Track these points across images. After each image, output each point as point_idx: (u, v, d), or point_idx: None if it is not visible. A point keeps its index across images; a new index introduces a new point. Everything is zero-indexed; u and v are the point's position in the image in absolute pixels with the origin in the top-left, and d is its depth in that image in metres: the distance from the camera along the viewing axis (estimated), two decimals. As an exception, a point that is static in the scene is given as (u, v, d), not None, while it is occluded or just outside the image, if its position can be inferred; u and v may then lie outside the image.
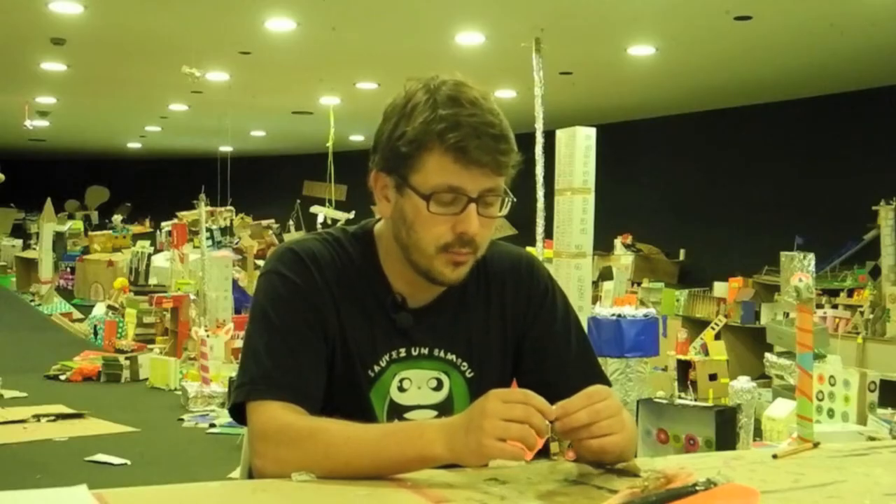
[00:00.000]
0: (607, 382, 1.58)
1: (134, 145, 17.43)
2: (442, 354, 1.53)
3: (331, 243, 1.52)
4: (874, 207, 8.05)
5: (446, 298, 1.54)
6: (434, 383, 1.53)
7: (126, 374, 7.84)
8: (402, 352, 1.51)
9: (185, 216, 12.13)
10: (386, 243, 1.52)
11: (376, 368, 1.50)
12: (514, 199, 1.46)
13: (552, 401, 1.29)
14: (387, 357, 1.50)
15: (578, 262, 5.27)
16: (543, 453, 1.25)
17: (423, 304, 1.53)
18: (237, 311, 8.49)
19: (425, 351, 1.52)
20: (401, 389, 1.51)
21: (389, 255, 1.51)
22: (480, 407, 1.23)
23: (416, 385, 1.52)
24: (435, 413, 1.52)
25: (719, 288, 9.31)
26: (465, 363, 1.54)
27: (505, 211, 1.46)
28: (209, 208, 11.23)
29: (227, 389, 6.56)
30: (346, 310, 1.48)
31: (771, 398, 5.21)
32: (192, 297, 8.89)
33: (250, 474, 1.40)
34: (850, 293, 8.15)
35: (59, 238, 14.67)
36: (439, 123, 1.37)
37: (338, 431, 1.31)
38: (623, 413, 1.32)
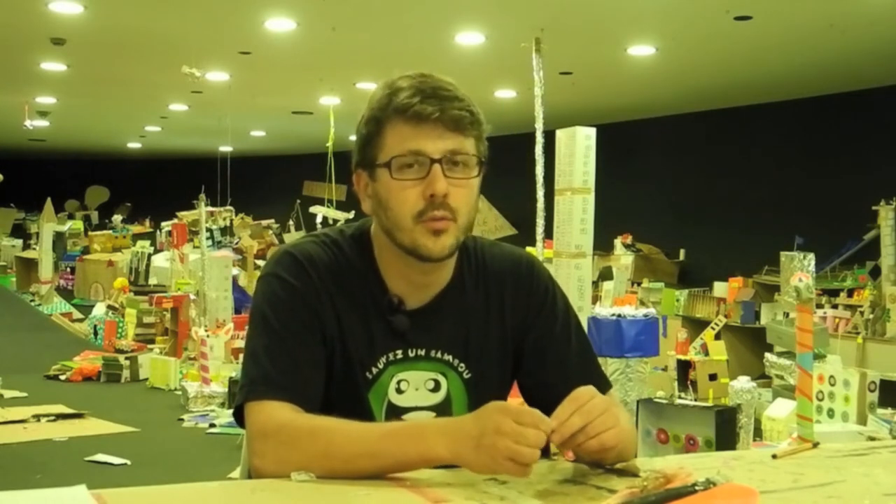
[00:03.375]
0: (608, 383, 1.58)
1: (134, 145, 17.43)
2: (439, 355, 1.52)
3: (328, 245, 1.52)
4: (874, 207, 8.04)
5: (444, 299, 1.53)
6: (431, 384, 1.53)
7: (126, 374, 7.85)
8: (399, 353, 1.51)
9: (185, 216, 12.12)
10: (381, 243, 1.52)
11: (374, 370, 1.50)
12: (485, 163, 1.45)
13: (553, 402, 1.30)
14: (384, 359, 1.50)
15: (578, 262, 5.27)
16: (543, 453, 1.25)
17: (421, 304, 1.52)
18: (237, 311, 8.49)
19: (422, 352, 1.52)
20: (399, 391, 1.51)
21: (385, 255, 1.51)
22: (494, 425, 1.22)
23: (414, 386, 1.52)
24: (433, 415, 1.52)
25: (719, 288, 9.31)
26: (462, 364, 1.54)
27: (479, 172, 1.44)
28: (209, 208, 11.23)
29: (227, 389, 6.57)
30: (344, 312, 1.48)
31: (771, 398, 5.20)
32: (192, 297, 8.89)
33: (250, 475, 1.39)
34: (850, 293, 8.15)
35: (59, 238, 14.67)
36: (393, 95, 1.42)
37: (338, 430, 1.31)
38: (613, 408, 1.32)
